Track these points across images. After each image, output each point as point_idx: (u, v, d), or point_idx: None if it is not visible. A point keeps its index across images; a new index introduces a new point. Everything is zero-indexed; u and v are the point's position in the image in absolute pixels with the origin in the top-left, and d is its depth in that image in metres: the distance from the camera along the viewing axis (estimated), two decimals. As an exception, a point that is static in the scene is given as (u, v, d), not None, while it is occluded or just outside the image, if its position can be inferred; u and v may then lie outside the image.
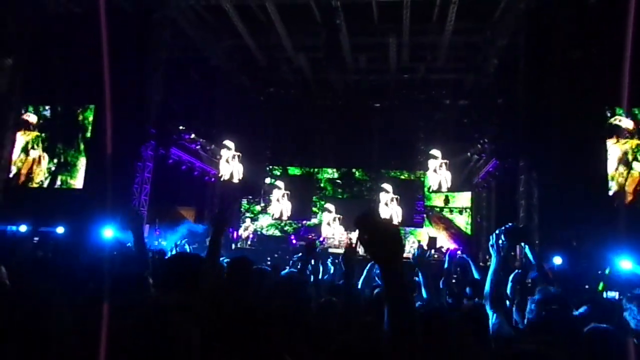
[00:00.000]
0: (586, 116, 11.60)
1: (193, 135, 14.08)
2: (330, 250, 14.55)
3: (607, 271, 5.82)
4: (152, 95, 12.04)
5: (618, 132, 11.80)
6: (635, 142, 11.68)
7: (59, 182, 12.91)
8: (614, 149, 11.78)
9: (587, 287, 6.40)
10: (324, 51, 13.09)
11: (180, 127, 13.54)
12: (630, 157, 11.63)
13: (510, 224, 2.81)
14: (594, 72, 10.93)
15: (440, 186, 15.43)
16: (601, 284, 5.62)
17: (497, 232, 2.78)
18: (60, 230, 10.19)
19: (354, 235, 16.03)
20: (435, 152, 15.39)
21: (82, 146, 12.95)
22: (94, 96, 12.24)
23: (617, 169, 11.69)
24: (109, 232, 9.39)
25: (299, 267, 3.76)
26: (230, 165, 15.60)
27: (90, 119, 12.94)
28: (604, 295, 5.51)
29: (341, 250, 14.83)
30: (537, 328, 2.17)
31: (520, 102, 12.07)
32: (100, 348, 1.15)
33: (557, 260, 9.99)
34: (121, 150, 10.54)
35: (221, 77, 15.74)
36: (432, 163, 15.45)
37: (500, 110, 13.57)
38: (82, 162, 12.88)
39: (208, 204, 17.00)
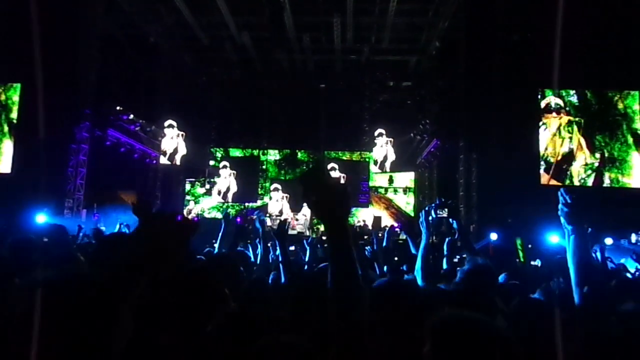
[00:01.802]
0: (522, 98, 12.16)
1: (132, 116, 13.48)
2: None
3: (518, 242, 6.19)
4: (85, 73, 11.36)
5: (548, 113, 12.48)
6: (563, 120, 12.40)
7: (-20, 167, 12.00)
8: (545, 129, 12.46)
9: (517, 260, 6.78)
10: (268, 30, 12.85)
11: (118, 108, 12.91)
12: (557, 136, 12.36)
13: (438, 200, 2.92)
14: (529, 55, 11.43)
15: (385, 161, 15.83)
16: (520, 254, 5.98)
17: (426, 209, 2.89)
18: (-14, 217, 9.50)
19: (301, 214, 16.08)
20: (381, 130, 15.77)
21: (6, 128, 12.04)
22: (19, 74, 11.39)
23: (546, 148, 12.40)
24: (41, 218, 8.89)
25: (231, 245, 3.69)
26: (173, 143, 15.18)
27: (15, 98, 12.02)
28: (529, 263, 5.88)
29: (294, 231, 14.87)
30: (463, 296, 2.26)
31: (460, 83, 12.46)
32: (30, 327, 1.08)
33: (493, 236, 10.53)
34: (53, 132, 9.92)
35: (162, 56, 15.11)
36: (378, 140, 15.81)
37: (442, 92, 13.96)
38: (6, 145, 12.00)
39: (150, 187, 16.44)
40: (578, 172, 12.23)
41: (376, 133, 16.00)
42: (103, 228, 9.85)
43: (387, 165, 16.04)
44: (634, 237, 9.59)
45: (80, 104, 11.34)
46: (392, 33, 13.87)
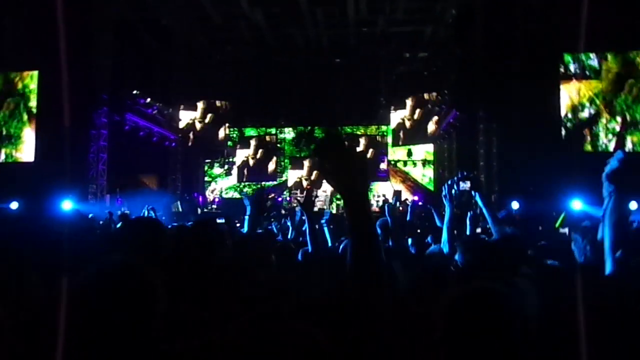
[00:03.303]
0: (541, 64, 11.83)
1: (149, 100, 13.57)
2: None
3: (562, 215, 6.14)
4: (101, 59, 11.42)
5: (568, 79, 12.13)
6: (583, 85, 12.05)
7: (3, 156, 12.22)
8: (566, 94, 12.14)
9: (540, 228, 6.73)
10: (281, 5, 12.66)
11: (134, 92, 13.00)
12: (577, 102, 12.04)
13: (460, 174, 2.92)
14: (548, 19, 11.06)
15: (403, 134, 15.75)
16: (560, 219, 5.92)
17: (449, 182, 2.88)
18: (14, 205, 9.77)
19: (321, 191, 16.11)
20: (397, 106, 15.66)
21: (25, 116, 12.19)
22: (36, 62, 11.49)
23: (566, 114, 12.10)
24: (67, 205, 9.11)
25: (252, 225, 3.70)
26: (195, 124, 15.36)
27: (32, 86, 12.12)
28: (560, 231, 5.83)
29: (315, 208, 14.93)
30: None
31: (478, 52, 12.16)
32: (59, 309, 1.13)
33: (515, 205, 10.44)
34: (72, 118, 10.06)
35: (175, 37, 15.06)
36: (395, 113, 15.71)
37: (459, 62, 13.65)
38: (27, 133, 12.18)
39: (170, 170, 16.65)
40: (599, 137, 11.95)
41: (393, 106, 15.84)
42: (128, 212, 10.06)
43: (405, 138, 15.90)
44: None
45: (98, 89, 11.43)
46: (406, 2, 13.52)
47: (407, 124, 15.90)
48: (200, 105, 16.40)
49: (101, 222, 7.28)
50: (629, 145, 11.85)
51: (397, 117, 16.02)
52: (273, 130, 17.85)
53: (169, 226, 5.84)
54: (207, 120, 16.27)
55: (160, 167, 16.34)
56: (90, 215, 7.30)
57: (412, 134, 15.96)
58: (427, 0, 13.75)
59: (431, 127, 15.80)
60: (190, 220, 10.42)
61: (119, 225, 6.29)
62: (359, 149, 15.86)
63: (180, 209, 13.63)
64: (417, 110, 15.89)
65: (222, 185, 17.77)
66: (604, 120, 11.97)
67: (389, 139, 16.81)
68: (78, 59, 10.38)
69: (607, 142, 11.99)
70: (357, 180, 1.15)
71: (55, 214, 8.10)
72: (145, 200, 10.92)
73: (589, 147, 11.97)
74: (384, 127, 17.14)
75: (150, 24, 13.86)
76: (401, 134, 16.09)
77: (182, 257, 2.06)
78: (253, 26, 14.81)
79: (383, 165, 16.76)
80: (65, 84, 8.30)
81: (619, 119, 11.87)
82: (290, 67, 16.41)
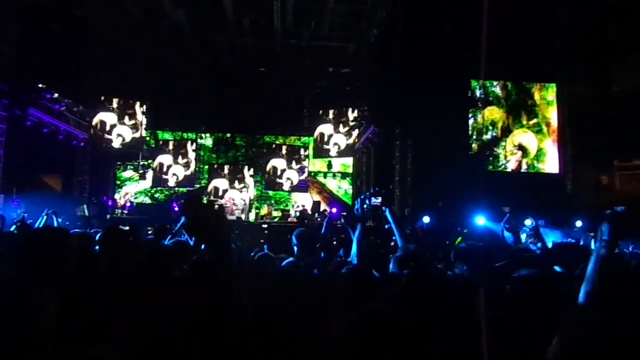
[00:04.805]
0: (453, 88, 12.75)
1: (56, 95, 12.60)
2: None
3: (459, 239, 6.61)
4: (2, 45, 10.43)
5: (475, 103, 13.29)
6: (487, 110, 13.29)
7: None
8: (472, 118, 13.27)
9: (447, 242, 7.18)
10: (205, 9, 12.42)
11: (40, 85, 12.01)
12: (482, 125, 13.24)
13: (372, 189, 3.06)
14: (459, 47, 11.95)
15: (324, 146, 16.13)
16: (459, 238, 6.36)
17: (361, 197, 3.01)
18: None
19: (240, 199, 15.87)
20: (324, 118, 16.05)
21: None
22: None
23: (472, 136, 13.20)
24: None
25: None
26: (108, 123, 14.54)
27: None
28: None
29: (233, 216, 14.65)
30: (394, 281, 2.39)
31: (396, 72, 12.78)
32: None
33: (426, 219, 11.04)
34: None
35: (90, 30, 14.13)
36: (324, 127, 16.05)
37: (379, 80, 14.25)
38: None
39: (78, 172, 15.52)
40: (500, 158, 13.16)
41: (315, 118, 16.14)
42: (25, 214, 9.22)
43: (335, 150, 16.29)
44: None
45: (-4, 79, 10.43)
46: (332, 19, 13.89)
47: (328, 136, 16.26)
48: (114, 104, 15.52)
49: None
50: (524, 167, 13.15)
51: (318, 129, 16.34)
52: (192, 135, 17.37)
53: (72, 231, 5.45)
54: (121, 121, 15.41)
55: (66, 168, 15.17)
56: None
57: (342, 147, 16.39)
58: (351, 18, 14.24)
59: (351, 141, 16.29)
60: (95, 225, 9.79)
61: (13, 230, 5.76)
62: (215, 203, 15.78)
63: (87, 213, 12.76)
64: (338, 124, 16.31)
65: (133, 189, 16.92)
66: (503, 143, 13.20)
67: (310, 151, 17.05)
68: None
69: (505, 163, 13.22)
70: (216, 230, 1.40)
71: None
72: (46, 202, 10.08)
73: (491, 167, 13.10)
74: (305, 139, 17.37)
75: (62, 12, 12.91)
76: (322, 146, 16.41)
77: (88, 268, 1.95)
78: (176, 27, 14.37)
79: (303, 176, 16.95)
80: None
81: (517, 142, 13.19)
82: (214, 72, 16.10)
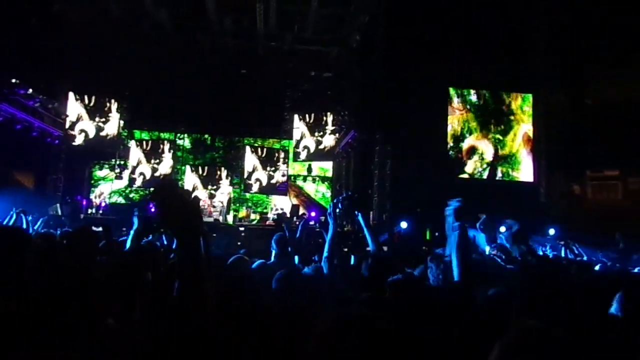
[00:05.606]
0: (432, 95, 12.94)
1: (30, 91, 12.30)
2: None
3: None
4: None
5: (453, 110, 13.52)
6: (464, 117, 13.54)
7: None
8: (450, 124, 13.48)
9: (424, 248, 7.26)
10: (187, 8, 12.32)
11: (13, 81, 11.71)
12: (459, 132, 13.47)
13: (345, 193, 3.08)
14: (439, 55, 12.16)
15: (303, 150, 16.11)
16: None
17: (334, 201, 3.02)
18: None
19: (218, 201, 15.74)
20: (298, 122, 16.01)
21: None
22: None
23: (449, 143, 13.40)
24: None
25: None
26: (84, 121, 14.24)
27: None
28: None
29: (210, 218, 14.49)
30: (365, 287, 2.42)
31: (377, 78, 12.89)
32: None
33: (403, 224, 11.15)
34: None
35: (69, 27, 13.85)
36: (297, 129, 16.01)
37: (360, 85, 14.35)
38: None
39: (52, 169, 15.17)
40: (475, 166, 13.40)
41: (295, 122, 16.14)
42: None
43: (305, 154, 16.26)
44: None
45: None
46: (315, 23, 13.93)
47: (308, 140, 16.27)
48: (92, 102, 15.22)
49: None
50: (499, 175, 13.40)
51: (298, 132, 16.33)
52: (171, 136, 17.15)
53: (42, 231, 5.33)
54: (98, 119, 15.13)
55: (40, 165, 14.82)
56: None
57: (312, 151, 16.36)
58: (334, 23, 14.30)
59: (331, 145, 16.33)
60: (67, 225, 9.58)
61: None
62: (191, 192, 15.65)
63: (60, 213, 12.47)
64: (319, 128, 16.33)
65: (108, 188, 16.60)
66: (479, 151, 13.43)
67: (290, 154, 17.02)
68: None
69: (481, 170, 13.45)
70: (190, 220, 1.31)
71: None
72: (17, 200, 9.82)
73: (465, 174, 13.32)
74: (285, 142, 17.33)
75: (39, 8, 12.63)
76: (302, 150, 16.40)
77: (50, 270, 1.90)
78: (157, 26, 14.20)
79: (282, 179, 16.89)
80: None
81: (491, 150, 13.45)
82: (194, 73, 15.95)
